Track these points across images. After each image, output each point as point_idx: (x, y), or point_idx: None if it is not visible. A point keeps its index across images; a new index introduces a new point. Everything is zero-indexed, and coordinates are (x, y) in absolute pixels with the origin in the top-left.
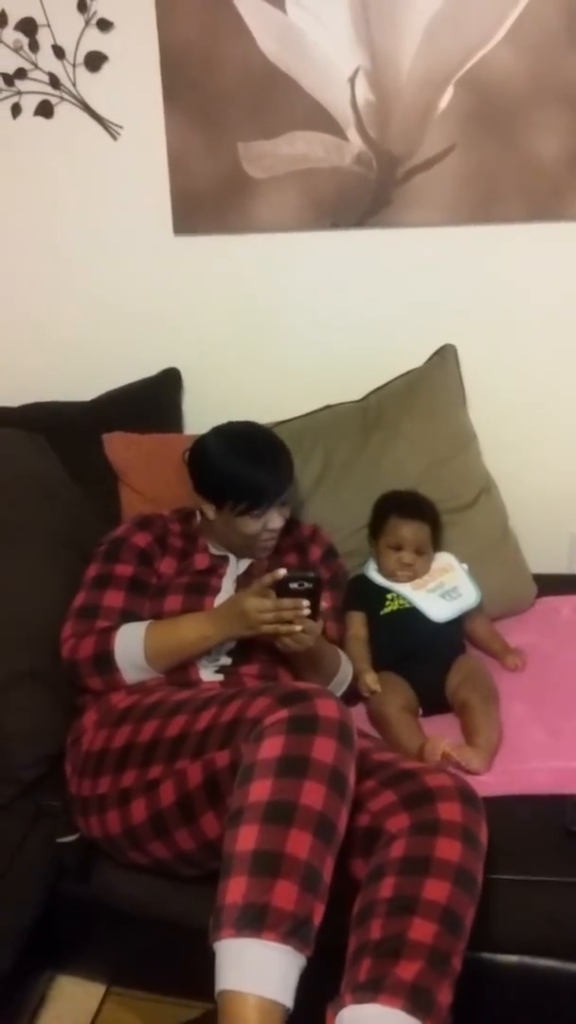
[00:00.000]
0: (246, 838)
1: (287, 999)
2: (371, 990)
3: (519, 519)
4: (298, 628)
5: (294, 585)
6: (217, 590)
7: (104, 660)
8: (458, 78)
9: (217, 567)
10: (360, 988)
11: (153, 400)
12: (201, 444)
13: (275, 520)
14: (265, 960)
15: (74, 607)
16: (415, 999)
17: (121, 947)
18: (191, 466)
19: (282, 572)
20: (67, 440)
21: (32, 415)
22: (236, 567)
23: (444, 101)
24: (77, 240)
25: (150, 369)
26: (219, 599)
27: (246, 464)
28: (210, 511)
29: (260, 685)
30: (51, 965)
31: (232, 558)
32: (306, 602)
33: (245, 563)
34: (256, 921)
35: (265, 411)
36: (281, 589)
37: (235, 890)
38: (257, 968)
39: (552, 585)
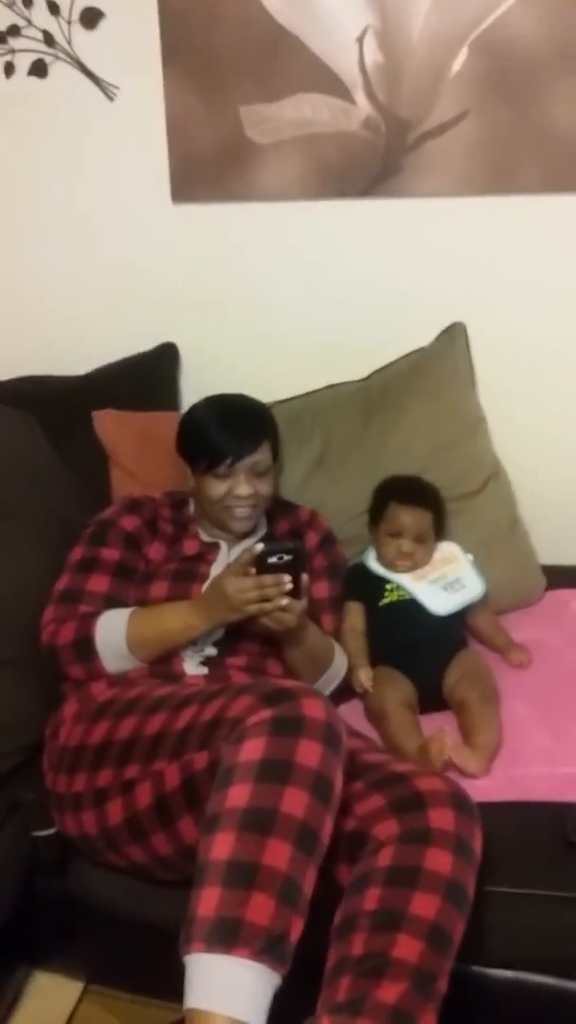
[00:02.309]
0: (221, 846)
1: (258, 1020)
2: (350, 1012)
3: (528, 507)
4: (283, 602)
5: (273, 559)
6: (205, 577)
7: (84, 646)
8: (472, 39)
9: (206, 554)
10: (338, 1009)
11: (149, 376)
12: (188, 410)
13: (241, 486)
14: (236, 978)
15: (57, 590)
16: None
17: (99, 945)
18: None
19: (259, 547)
20: (58, 416)
21: (23, 389)
22: (227, 555)
23: (457, 64)
24: (71, 206)
25: (146, 343)
26: (206, 586)
27: (211, 423)
28: (190, 477)
29: (243, 682)
30: (28, 960)
31: (224, 545)
32: (287, 577)
33: (236, 551)
34: (228, 936)
35: (265, 389)
36: (261, 566)
37: (207, 901)
38: (227, 986)
39: (562, 577)
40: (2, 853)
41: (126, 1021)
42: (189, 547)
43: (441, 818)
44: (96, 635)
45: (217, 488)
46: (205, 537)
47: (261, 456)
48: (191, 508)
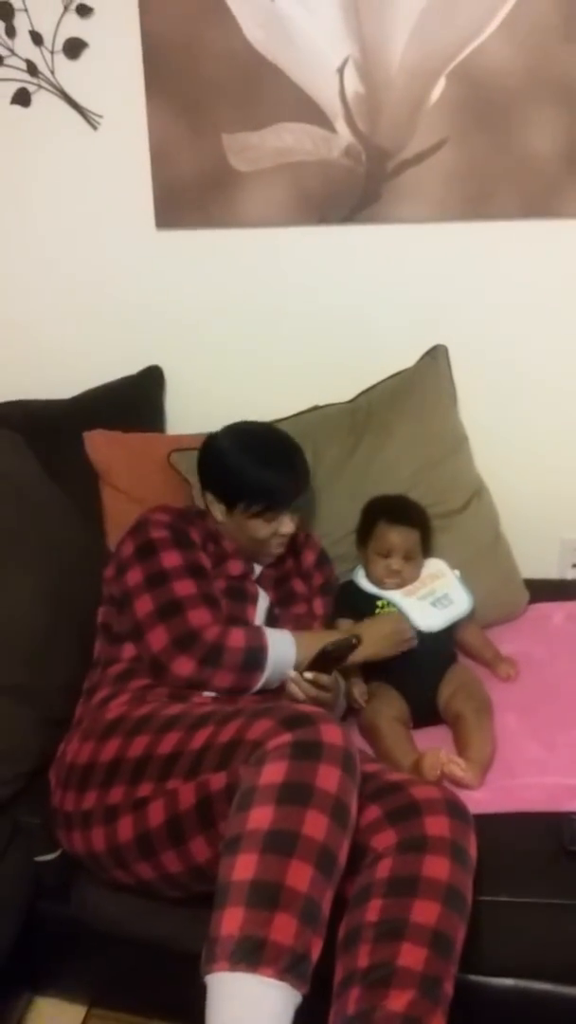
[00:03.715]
0: (244, 867)
1: None
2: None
3: (509, 523)
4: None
5: (330, 648)
6: (255, 597)
7: (257, 656)
8: (450, 70)
9: (248, 573)
10: (350, 1022)
11: (134, 399)
12: (213, 443)
13: (287, 525)
14: (261, 997)
15: (194, 594)
16: None
17: (102, 967)
18: (202, 465)
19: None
20: (46, 440)
21: (9, 413)
22: (255, 575)
23: (436, 93)
24: (55, 234)
25: (131, 367)
26: (259, 606)
27: (262, 465)
28: (219, 512)
29: (258, 705)
30: (29, 986)
31: (256, 568)
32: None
33: (258, 569)
34: (252, 955)
35: (250, 412)
36: (321, 655)
37: (231, 921)
38: (252, 1005)
39: (543, 591)
40: (6, 879)
41: None
42: (235, 567)
43: (436, 825)
44: (269, 648)
45: (265, 529)
46: (242, 559)
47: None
48: (216, 520)
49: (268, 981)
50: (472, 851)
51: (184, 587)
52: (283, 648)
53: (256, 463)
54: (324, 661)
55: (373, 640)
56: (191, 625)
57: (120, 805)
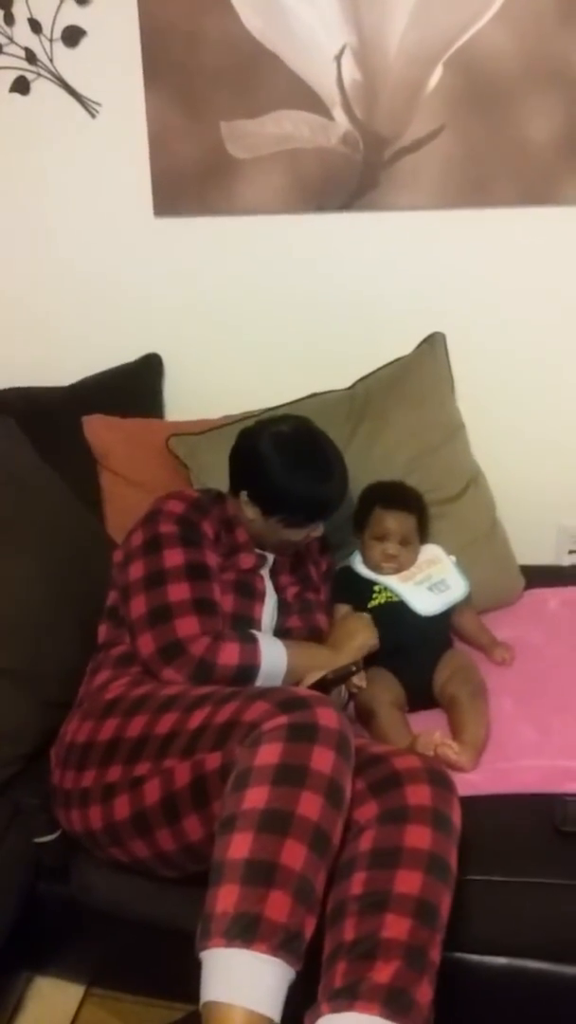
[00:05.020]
0: (239, 846)
1: (275, 1013)
2: (347, 997)
3: (506, 509)
4: None
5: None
6: (263, 594)
7: (247, 674)
8: (447, 57)
9: (258, 566)
10: (336, 996)
11: (133, 386)
12: (254, 448)
13: (319, 529)
14: (255, 972)
15: (187, 599)
16: (392, 1002)
17: (101, 947)
18: (238, 467)
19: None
20: (44, 426)
21: (8, 400)
22: (268, 564)
23: (433, 81)
24: (54, 221)
25: (130, 355)
26: (267, 603)
27: (310, 481)
28: (252, 513)
29: (256, 688)
30: (29, 966)
31: (269, 557)
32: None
33: (270, 558)
34: (247, 932)
35: (248, 399)
36: (320, 683)
37: (226, 898)
38: (246, 980)
39: (539, 577)
40: (5, 860)
41: (128, 1022)
42: (246, 561)
43: (417, 794)
44: (261, 666)
45: (298, 534)
46: (257, 550)
47: None
48: (233, 509)
49: (262, 957)
50: (455, 818)
51: (178, 591)
52: (273, 663)
53: (306, 480)
54: (324, 686)
55: (351, 653)
56: (177, 635)
57: (117, 783)
